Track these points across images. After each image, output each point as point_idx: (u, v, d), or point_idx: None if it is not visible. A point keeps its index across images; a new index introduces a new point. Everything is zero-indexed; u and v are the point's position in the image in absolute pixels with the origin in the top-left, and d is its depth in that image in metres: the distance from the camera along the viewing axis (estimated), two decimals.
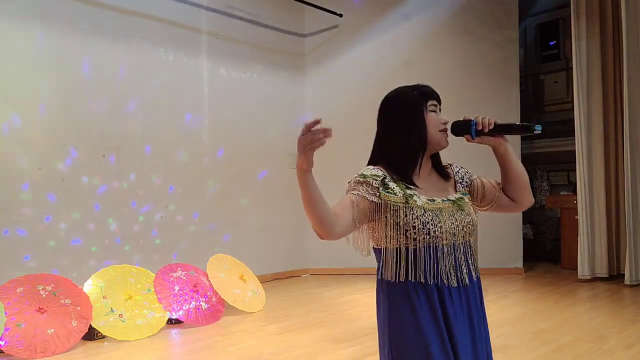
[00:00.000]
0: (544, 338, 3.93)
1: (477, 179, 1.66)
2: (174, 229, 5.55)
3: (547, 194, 8.32)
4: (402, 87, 1.57)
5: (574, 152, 6.41)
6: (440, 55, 7.09)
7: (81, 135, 4.89)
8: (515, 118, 6.97)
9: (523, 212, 7.09)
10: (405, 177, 1.50)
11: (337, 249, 7.02)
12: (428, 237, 1.43)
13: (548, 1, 8.51)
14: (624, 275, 6.02)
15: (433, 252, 1.44)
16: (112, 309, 4.08)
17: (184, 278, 4.60)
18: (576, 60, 6.38)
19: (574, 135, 6.41)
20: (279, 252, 6.66)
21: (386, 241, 1.46)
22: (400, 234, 1.44)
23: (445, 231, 1.46)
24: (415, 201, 1.46)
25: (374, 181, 1.47)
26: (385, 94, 1.66)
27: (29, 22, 4.58)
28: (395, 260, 1.45)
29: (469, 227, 1.52)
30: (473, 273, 1.53)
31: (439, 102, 1.57)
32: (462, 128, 1.52)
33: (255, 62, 6.53)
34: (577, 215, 6.45)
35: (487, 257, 6.95)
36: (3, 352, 3.53)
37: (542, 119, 8.55)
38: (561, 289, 5.88)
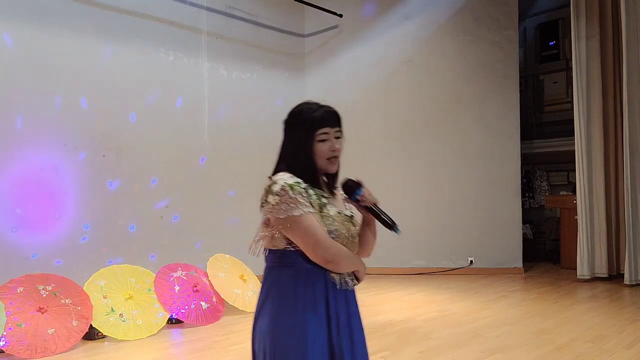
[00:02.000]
0: (544, 338, 3.93)
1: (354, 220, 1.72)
2: (174, 228, 5.55)
3: (547, 194, 8.33)
4: (304, 106, 1.58)
5: (573, 152, 6.41)
6: (440, 55, 7.09)
7: (81, 134, 4.89)
8: (515, 118, 6.98)
9: (523, 212, 7.11)
10: (315, 186, 1.54)
11: None
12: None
13: (548, 1, 8.52)
14: (623, 275, 6.03)
15: None
16: (112, 309, 4.09)
17: (184, 278, 4.60)
18: (576, 61, 6.39)
19: (574, 135, 6.41)
20: None
21: (292, 245, 1.51)
22: None
23: (346, 242, 1.55)
24: (329, 211, 1.52)
25: (301, 190, 1.49)
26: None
27: (28, 21, 4.58)
28: (295, 261, 1.50)
29: (356, 240, 1.62)
30: (355, 280, 1.63)
31: (336, 124, 1.58)
32: (349, 189, 1.59)
33: (255, 62, 6.53)
34: (576, 215, 6.46)
35: (487, 257, 6.96)
36: (4, 352, 3.54)
37: (541, 119, 8.57)
38: (561, 289, 5.88)
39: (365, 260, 1.70)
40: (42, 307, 3.77)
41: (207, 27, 5.99)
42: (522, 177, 7.78)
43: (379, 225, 1.66)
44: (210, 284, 4.72)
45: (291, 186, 1.47)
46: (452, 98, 7.04)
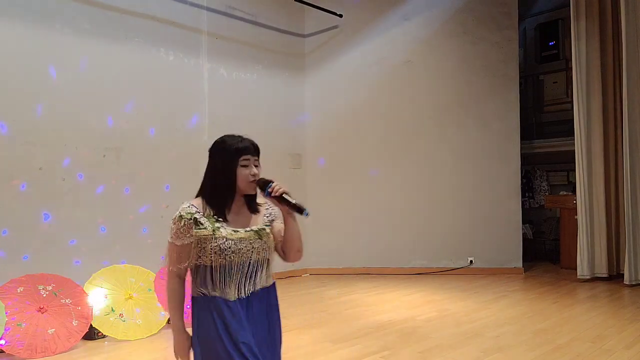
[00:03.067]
0: (544, 338, 3.93)
1: (277, 224, 1.97)
2: None
3: (547, 193, 8.33)
4: (227, 137, 1.88)
5: (573, 152, 6.42)
6: (440, 55, 7.09)
7: (81, 135, 4.89)
8: (515, 118, 6.99)
9: (523, 212, 7.12)
10: (217, 210, 1.84)
11: (337, 249, 7.07)
12: (224, 260, 1.79)
13: (548, 1, 8.52)
14: (623, 275, 6.03)
15: (228, 270, 1.80)
16: (112, 309, 4.09)
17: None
18: (576, 61, 6.39)
19: (574, 135, 6.42)
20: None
21: (196, 262, 1.82)
22: (205, 256, 1.80)
23: (242, 254, 1.82)
24: (221, 232, 1.80)
25: (188, 221, 1.80)
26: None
27: (28, 20, 4.58)
28: (200, 276, 1.82)
29: (264, 251, 1.89)
30: (262, 285, 1.88)
31: (255, 154, 1.87)
32: (262, 186, 1.85)
33: (255, 62, 6.53)
34: (576, 215, 6.46)
35: (487, 257, 6.97)
36: (4, 351, 3.54)
37: (541, 119, 8.57)
38: (561, 289, 5.89)
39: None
40: (42, 307, 3.77)
41: (207, 27, 5.99)
42: (522, 177, 7.78)
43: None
44: None
45: (181, 217, 1.81)
46: (452, 98, 7.05)
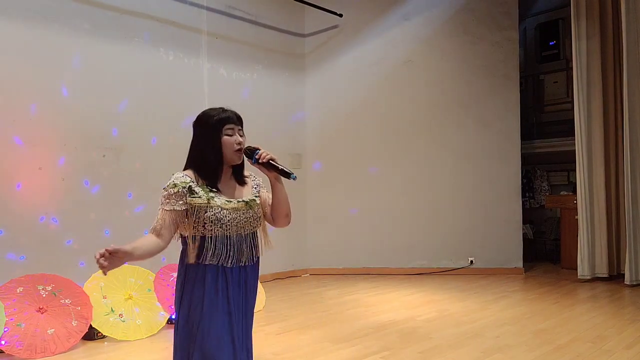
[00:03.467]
0: (544, 338, 3.93)
1: (264, 193, 2.02)
2: None
3: (547, 193, 8.32)
4: (209, 110, 1.92)
5: (573, 152, 6.41)
6: (440, 55, 7.09)
7: (81, 135, 4.89)
8: (515, 118, 6.98)
9: (523, 212, 7.11)
10: (209, 181, 1.87)
11: (337, 249, 7.07)
12: (221, 229, 1.82)
13: (548, 1, 8.52)
14: (624, 275, 6.02)
15: (224, 240, 1.84)
16: (112, 309, 4.08)
17: None
18: (576, 60, 6.38)
19: (574, 135, 6.41)
20: (279, 252, 6.65)
21: (191, 231, 1.83)
22: (200, 226, 1.82)
23: (236, 225, 1.86)
24: (216, 202, 1.83)
25: (182, 189, 1.82)
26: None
27: (28, 21, 4.58)
28: (195, 246, 1.84)
29: (255, 222, 1.93)
30: (252, 257, 1.94)
31: (239, 123, 1.92)
32: (249, 153, 1.88)
33: (255, 62, 6.53)
34: (577, 215, 6.46)
35: (487, 257, 6.96)
36: (3, 352, 3.53)
37: (542, 119, 8.57)
38: (561, 289, 5.88)
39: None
40: (41, 307, 3.77)
41: (207, 27, 5.99)
42: (522, 177, 7.77)
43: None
44: None
45: (175, 184, 1.83)
46: (452, 98, 7.04)
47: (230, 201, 1.87)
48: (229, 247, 1.84)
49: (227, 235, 1.84)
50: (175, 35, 5.66)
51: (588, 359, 3.44)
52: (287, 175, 1.86)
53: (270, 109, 6.70)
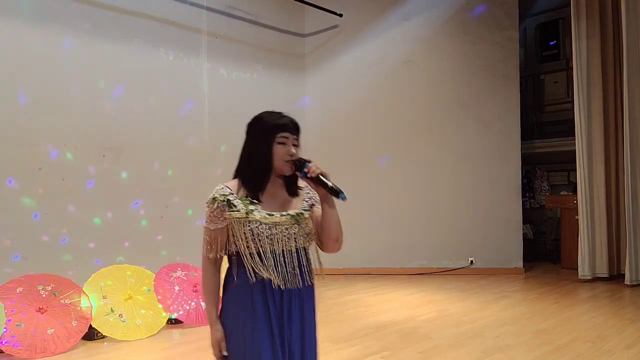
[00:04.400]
0: (544, 338, 3.93)
1: (317, 209, 1.79)
2: (174, 228, 5.55)
3: (547, 193, 8.32)
4: (266, 113, 1.78)
5: (574, 152, 6.41)
6: (440, 55, 7.08)
7: (81, 134, 4.89)
8: (515, 118, 6.97)
9: (523, 212, 7.10)
10: (251, 192, 1.71)
11: None
12: (257, 246, 1.66)
13: (548, 1, 8.51)
14: (624, 275, 6.02)
15: (262, 258, 1.66)
16: (112, 309, 4.08)
17: (184, 278, 4.60)
18: (576, 60, 6.38)
19: (574, 135, 6.41)
20: None
21: (231, 247, 1.69)
22: (238, 242, 1.67)
23: (278, 240, 1.68)
24: (255, 215, 1.67)
25: (221, 203, 1.68)
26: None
27: (29, 21, 4.58)
28: (236, 262, 1.69)
29: (303, 238, 1.74)
30: (306, 277, 1.75)
31: (295, 132, 1.75)
32: (298, 166, 1.71)
33: (255, 62, 6.53)
34: (577, 215, 6.45)
35: (487, 257, 6.96)
36: (3, 352, 3.53)
37: (542, 119, 8.56)
38: (561, 289, 5.88)
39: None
40: (41, 307, 3.77)
41: (207, 27, 5.99)
42: (523, 177, 7.77)
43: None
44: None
45: (214, 199, 1.70)
46: (452, 98, 7.04)
47: (272, 214, 1.70)
48: (266, 265, 1.66)
49: (264, 252, 1.66)
50: (175, 35, 5.66)
51: (588, 359, 3.44)
52: (337, 194, 1.65)
53: (270, 108, 6.66)
